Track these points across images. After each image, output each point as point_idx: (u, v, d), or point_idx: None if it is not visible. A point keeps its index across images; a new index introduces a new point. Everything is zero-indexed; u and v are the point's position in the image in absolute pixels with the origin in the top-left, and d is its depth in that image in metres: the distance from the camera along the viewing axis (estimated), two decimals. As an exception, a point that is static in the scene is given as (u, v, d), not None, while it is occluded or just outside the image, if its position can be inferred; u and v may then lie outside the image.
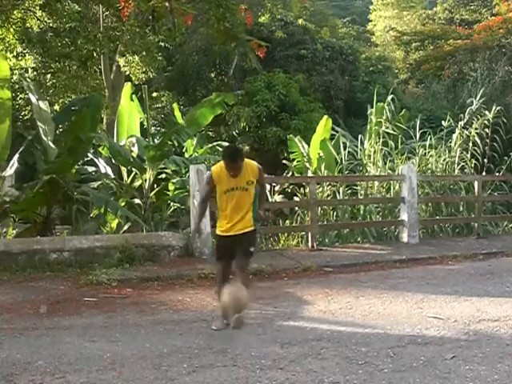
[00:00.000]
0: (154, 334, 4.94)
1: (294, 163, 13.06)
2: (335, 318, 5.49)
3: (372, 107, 13.11)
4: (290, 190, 12.21)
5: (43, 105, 10.19)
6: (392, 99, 12.62)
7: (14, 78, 12.68)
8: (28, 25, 11.91)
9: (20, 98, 13.40)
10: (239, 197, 5.04)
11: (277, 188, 12.68)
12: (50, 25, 12.18)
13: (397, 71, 26.00)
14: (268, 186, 11.32)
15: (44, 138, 9.78)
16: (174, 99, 18.53)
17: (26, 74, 12.77)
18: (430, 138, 12.00)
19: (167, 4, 10.49)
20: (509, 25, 21.77)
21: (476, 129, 12.22)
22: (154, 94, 18.57)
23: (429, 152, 11.78)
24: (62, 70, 12.45)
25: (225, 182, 5.04)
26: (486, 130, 12.54)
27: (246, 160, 5.12)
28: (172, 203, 11.21)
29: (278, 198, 12.55)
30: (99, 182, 10.98)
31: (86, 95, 11.88)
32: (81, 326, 5.19)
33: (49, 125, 9.96)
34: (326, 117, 13.63)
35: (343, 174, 11.49)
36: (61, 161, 9.27)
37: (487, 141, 12.81)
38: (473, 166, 12.00)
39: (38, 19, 11.94)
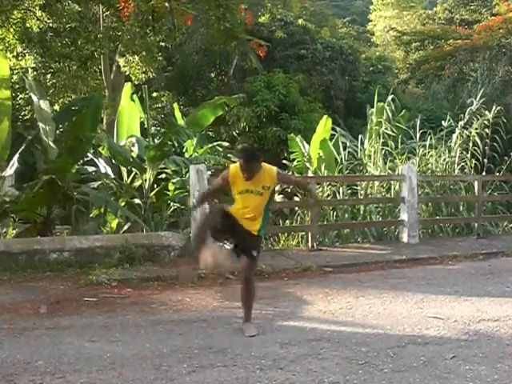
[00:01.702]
0: (154, 334, 4.94)
1: (294, 163, 13.06)
2: (335, 318, 5.49)
3: (372, 107, 13.11)
4: (289, 190, 12.20)
5: (44, 104, 10.18)
6: (392, 99, 12.62)
7: (14, 77, 12.68)
8: (28, 25, 11.88)
9: (20, 98, 13.40)
10: (253, 200, 4.98)
11: (277, 188, 12.66)
12: (50, 25, 12.15)
13: (397, 71, 26.00)
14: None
15: (44, 137, 9.78)
16: (174, 99, 18.53)
17: (26, 74, 12.76)
18: (430, 138, 12.01)
19: (167, 4, 10.48)
20: (509, 25, 21.77)
21: (476, 129, 12.22)
22: (154, 94, 18.56)
23: (429, 152, 11.78)
24: (62, 70, 12.44)
25: (240, 184, 5.00)
26: (486, 129, 12.54)
27: (266, 165, 5.06)
28: (172, 203, 11.20)
29: (278, 197, 12.55)
30: (99, 182, 10.97)
31: (86, 95, 11.88)
32: (81, 326, 5.19)
33: (49, 124, 9.95)
34: (325, 117, 13.62)
35: (343, 174, 11.49)
36: (61, 161, 9.26)
37: (487, 141, 12.82)
38: (473, 166, 12.00)
39: (38, 19, 11.92)
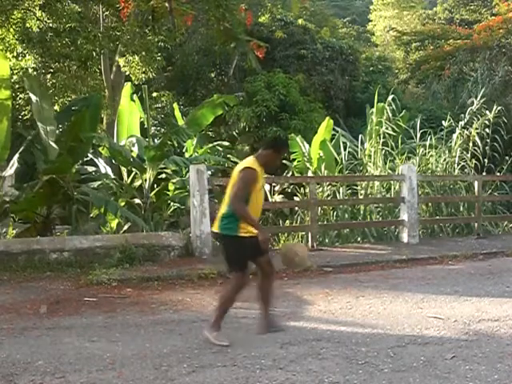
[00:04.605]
0: (154, 334, 4.94)
1: (294, 163, 13.05)
2: (335, 318, 5.49)
3: (372, 107, 13.11)
4: (289, 190, 12.21)
5: (45, 104, 10.15)
6: (392, 99, 12.62)
7: (14, 77, 12.67)
8: (28, 25, 11.88)
9: (20, 98, 13.39)
10: (262, 196, 4.80)
11: (277, 188, 12.68)
12: (50, 25, 12.16)
13: (397, 71, 26.00)
14: (268, 186, 11.35)
15: (44, 137, 9.78)
16: (173, 99, 18.52)
17: (27, 74, 12.74)
18: (430, 138, 12.01)
19: (167, 4, 10.49)
20: (509, 25, 21.76)
21: (476, 129, 12.23)
22: (154, 94, 18.55)
23: (429, 152, 11.78)
24: (62, 70, 12.45)
25: (260, 179, 4.64)
26: (487, 129, 12.54)
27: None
28: (172, 203, 11.20)
29: (278, 197, 12.55)
30: (99, 182, 10.98)
31: (86, 95, 11.88)
32: (81, 326, 5.19)
33: (50, 124, 9.92)
34: (327, 118, 13.61)
35: (343, 174, 11.49)
36: (61, 161, 9.27)
37: (487, 141, 12.82)
38: (473, 165, 12.00)
39: (38, 19, 11.92)
